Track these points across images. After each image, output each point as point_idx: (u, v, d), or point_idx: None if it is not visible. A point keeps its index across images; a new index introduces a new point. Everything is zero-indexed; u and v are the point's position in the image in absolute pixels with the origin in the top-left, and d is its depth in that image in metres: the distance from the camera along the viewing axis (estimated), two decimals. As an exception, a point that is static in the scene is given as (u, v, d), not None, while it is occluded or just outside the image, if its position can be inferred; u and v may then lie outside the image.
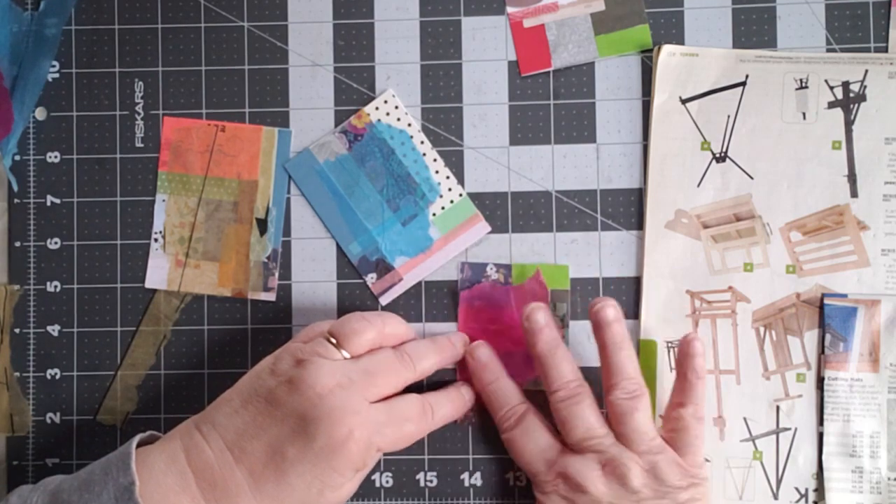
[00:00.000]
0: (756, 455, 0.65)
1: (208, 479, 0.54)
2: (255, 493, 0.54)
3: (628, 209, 0.66)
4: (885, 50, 0.65)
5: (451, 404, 0.63)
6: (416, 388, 0.64)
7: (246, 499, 0.54)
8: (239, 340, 0.67)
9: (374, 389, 0.57)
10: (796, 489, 0.65)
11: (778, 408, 0.65)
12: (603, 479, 0.59)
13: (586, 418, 0.60)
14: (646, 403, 0.60)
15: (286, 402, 0.55)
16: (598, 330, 0.62)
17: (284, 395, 0.55)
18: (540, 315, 0.62)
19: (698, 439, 0.61)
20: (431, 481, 0.66)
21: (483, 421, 0.66)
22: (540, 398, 0.65)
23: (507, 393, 0.63)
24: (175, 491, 0.53)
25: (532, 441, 0.61)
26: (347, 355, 0.58)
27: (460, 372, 0.66)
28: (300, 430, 0.54)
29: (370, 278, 0.66)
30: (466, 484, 0.66)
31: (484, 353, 0.64)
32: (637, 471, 0.58)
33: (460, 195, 0.66)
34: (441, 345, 0.63)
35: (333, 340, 0.58)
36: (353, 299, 0.67)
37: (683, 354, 0.62)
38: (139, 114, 0.67)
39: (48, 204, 0.67)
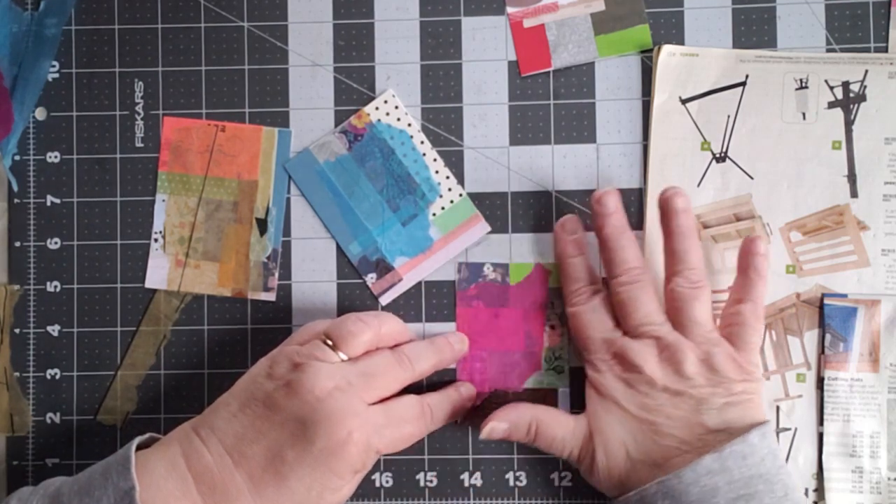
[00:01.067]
0: (756, 455, 0.64)
1: (208, 484, 0.54)
2: (254, 497, 0.54)
3: (628, 209, 0.65)
4: (885, 50, 0.65)
5: (450, 405, 0.62)
6: (416, 388, 0.63)
7: (246, 503, 0.54)
8: (239, 340, 0.66)
9: (373, 392, 0.57)
10: (796, 489, 0.64)
11: (778, 408, 0.65)
12: (658, 362, 0.59)
13: (646, 303, 0.60)
14: (707, 295, 0.60)
15: (284, 406, 0.55)
16: (666, 217, 0.62)
17: (283, 399, 0.55)
18: (611, 200, 0.62)
19: (755, 336, 0.60)
20: (431, 481, 0.66)
21: (483, 421, 0.65)
22: (540, 397, 0.65)
23: (586, 269, 0.63)
24: (175, 496, 0.53)
25: (598, 319, 0.61)
26: (345, 357, 0.58)
27: (461, 372, 0.66)
28: (299, 434, 0.54)
29: (370, 278, 0.66)
30: (466, 484, 0.66)
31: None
32: (692, 358, 0.58)
33: (460, 195, 0.66)
34: (439, 345, 0.62)
35: (330, 342, 0.58)
36: (353, 299, 0.66)
37: (745, 252, 0.62)
38: (139, 114, 0.66)
39: (48, 204, 0.66)
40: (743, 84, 0.65)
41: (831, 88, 0.65)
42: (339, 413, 0.54)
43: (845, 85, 0.65)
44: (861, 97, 0.64)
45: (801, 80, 0.65)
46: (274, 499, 0.54)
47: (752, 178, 0.65)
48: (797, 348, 0.65)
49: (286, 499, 0.54)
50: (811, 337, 0.65)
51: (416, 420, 0.59)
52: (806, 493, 0.64)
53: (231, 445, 0.54)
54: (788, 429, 0.64)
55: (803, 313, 0.65)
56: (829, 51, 0.65)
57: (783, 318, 0.65)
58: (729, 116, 0.65)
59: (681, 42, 0.66)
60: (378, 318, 0.60)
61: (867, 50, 0.65)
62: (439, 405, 0.61)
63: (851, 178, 0.65)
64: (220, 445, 0.54)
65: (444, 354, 0.62)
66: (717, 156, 0.65)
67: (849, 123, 0.65)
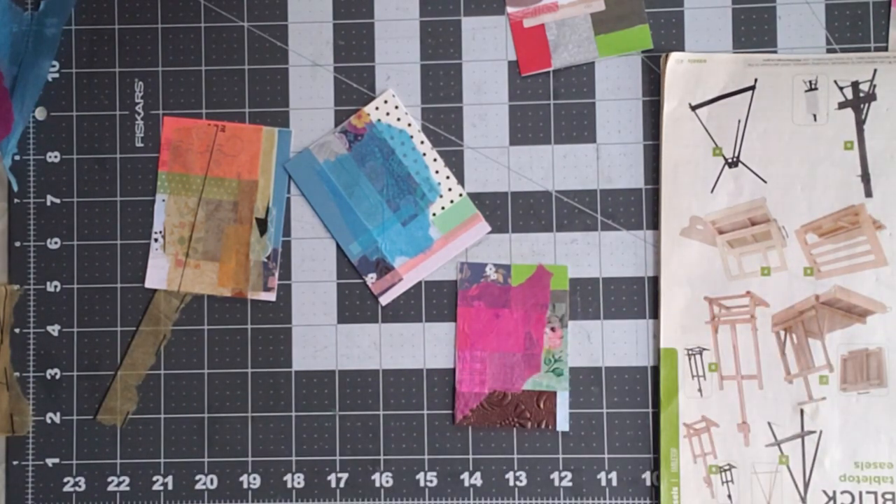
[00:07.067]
0: (782, 460, 0.61)
1: None
2: None
3: (628, 209, 0.62)
4: (885, 50, 0.62)
5: None
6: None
7: None
8: (239, 340, 0.63)
9: None
10: (824, 492, 0.60)
11: (802, 411, 0.60)
12: None
13: None
14: None
15: None
16: None
17: None
18: None
19: None
20: (431, 481, 0.62)
21: (483, 421, 0.61)
22: (539, 399, 0.61)
23: None
24: None
25: None
26: None
27: (460, 371, 0.61)
28: None
29: (370, 278, 0.62)
30: (466, 484, 0.62)
31: None
32: None
33: (460, 195, 0.63)
34: None
35: None
36: (354, 299, 0.63)
37: None
38: (139, 114, 0.64)
39: (48, 204, 0.63)
40: (752, 88, 0.62)
41: (841, 89, 0.61)
42: None
43: (855, 85, 0.61)
44: (871, 96, 0.61)
45: (810, 82, 0.61)
46: None
47: (765, 181, 0.61)
48: (818, 351, 0.60)
49: None
50: (832, 339, 0.60)
51: None
52: (833, 496, 0.59)
53: None
54: (813, 432, 0.60)
55: (823, 315, 0.61)
56: (829, 51, 0.62)
57: (803, 321, 0.61)
58: (739, 121, 0.62)
59: (681, 42, 0.63)
60: None
61: (867, 50, 0.62)
62: None
63: (865, 177, 0.61)
64: None
65: None
66: (730, 161, 0.62)
67: (860, 123, 0.61)
